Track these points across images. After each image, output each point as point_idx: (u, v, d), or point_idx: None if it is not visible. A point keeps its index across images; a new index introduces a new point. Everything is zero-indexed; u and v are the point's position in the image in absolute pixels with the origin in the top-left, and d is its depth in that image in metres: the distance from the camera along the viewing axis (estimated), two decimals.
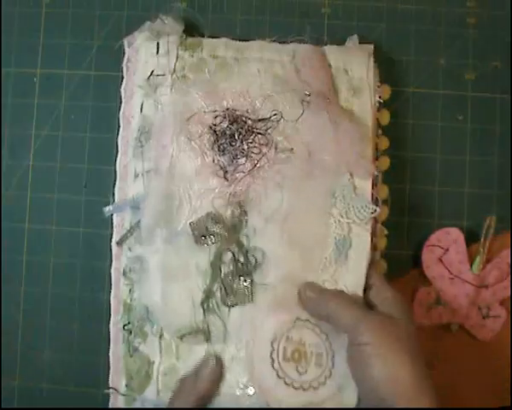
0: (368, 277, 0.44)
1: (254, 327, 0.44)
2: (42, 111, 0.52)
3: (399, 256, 0.50)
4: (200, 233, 0.44)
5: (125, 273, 0.46)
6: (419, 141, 0.51)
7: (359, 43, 0.50)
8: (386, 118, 0.49)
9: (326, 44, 0.49)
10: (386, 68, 0.50)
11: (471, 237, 0.49)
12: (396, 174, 0.50)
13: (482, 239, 0.48)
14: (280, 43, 0.48)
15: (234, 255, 0.44)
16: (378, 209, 0.45)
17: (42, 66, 0.52)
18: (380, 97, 0.48)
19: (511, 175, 0.51)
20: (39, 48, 0.53)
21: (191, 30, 0.50)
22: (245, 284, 0.44)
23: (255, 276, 0.44)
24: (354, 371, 0.41)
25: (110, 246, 0.47)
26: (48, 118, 0.52)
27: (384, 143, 0.49)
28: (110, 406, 0.46)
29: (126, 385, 0.45)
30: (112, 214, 0.47)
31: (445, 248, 0.49)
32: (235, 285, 0.44)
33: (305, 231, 0.45)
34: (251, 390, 0.43)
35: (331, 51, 0.48)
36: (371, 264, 0.45)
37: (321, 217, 0.45)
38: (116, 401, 0.46)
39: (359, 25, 0.51)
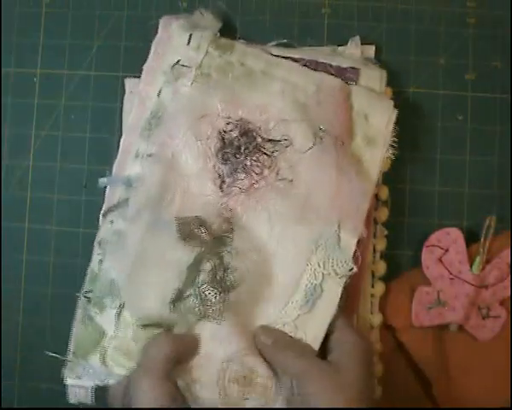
0: (333, 319, 0.43)
1: (213, 344, 0.42)
2: (42, 111, 0.52)
3: (399, 256, 0.50)
4: (184, 232, 0.43)
5: (100, 244, 0.46)
6: (419, 141, 0.51)
7: (360, 43, 0.50)
8: (386, 164, 0.48)
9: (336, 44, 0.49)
10: (387, 68, 0.50)
11: (471, 237, 0.49)
12: (396, 174, 0.50)
13: (482, 239, 0.48)
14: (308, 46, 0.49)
15: (214, 267, 0.43)
16: (355, 269, 0.43)
17: (42, 66, 0.52)
18: (392, 154, 0.46)
19: (511, 175, 0.51)
20: (39, 48, 0.53)
21: (224, 30, 0.49)
22: (219, 300, 0.42)
23: (230, 295, 0.43)
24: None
25: None
26: (48, 118, 0.52)
27: (384, 191, 0.49)
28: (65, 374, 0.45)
29: (73, 352, 0.45)
30: (106, 186, 0.47)
31: (444, 249, 0.49)
32: (208, 298, 0.42)
33: (281, 270, 0.44)
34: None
35: (357, 93, 0.46)
36: (339, 308, 0.43)
37: (299, 261, 0.44)
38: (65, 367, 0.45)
39: (359, 25, 0.51)
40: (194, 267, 0.43)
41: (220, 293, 0.42)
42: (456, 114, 0.51)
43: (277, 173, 0.45)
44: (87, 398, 0.45)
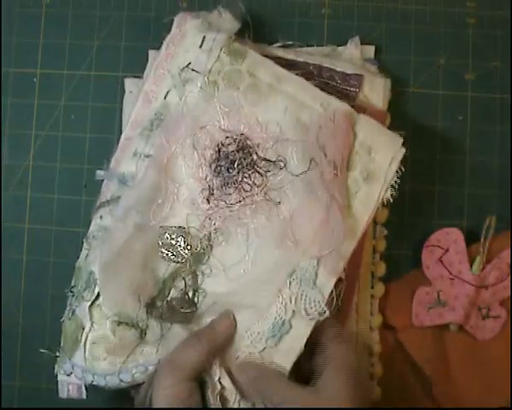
0: (322, 331, 0.42)
1: None
2: (42, 111, 0.52)
3: (399, 256, 0.50)
4: (166, 245, 0.44)
5: (87, 238, 0.46)
6: (419, 141, 0.51)
7: (360, 44, 0.50)
8: (384, 215, 0.47)
9: (339, 44, 0.49)
10: (386, 68, 0.50)
11: (471, 237, 0.49)
12: (396, 174, 0.50)
13: (482, 239, 0.48)
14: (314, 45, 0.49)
15: (185, 286, 0.44)
16: (327, 314, 0.41)
17: (42, 66, 0.52)
18: (391, 195, 0.43)
19: (511, 175, 0.51)
20: (39, 48, 0.53)
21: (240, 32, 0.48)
22: (186, 313, 0.44)
23: (198, 312, 0.44)
24: None
25: None
26: (48, 118, 0.52)
27: (380, 268, 0.48)
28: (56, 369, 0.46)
29: (62, 347, 0.45)
30: (102, 180, 0.48)
31: (444, 249, 0.49)
32: (176, 310, 0.44)
33: (252, 300, 0.43)
34: None
35: (364, 122, 0.44)
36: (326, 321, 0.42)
37: (270, 291, 0.42)
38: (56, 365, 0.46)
39: (359, 25, 0.51)
40: (169, 282, 0.44)
41: (187, 309, 0.43)
42: (456, 114, 0.51)
43: (266, 194, 0.44)
44: (81, 394, 0.46)
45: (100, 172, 0.48)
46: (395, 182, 0.43)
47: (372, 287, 0.49)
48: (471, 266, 0.48)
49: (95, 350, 0.43)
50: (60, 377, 0.46)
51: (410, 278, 0.50)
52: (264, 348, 0.42)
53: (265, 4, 0.52)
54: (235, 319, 0.42)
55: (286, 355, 0.42)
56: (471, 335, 0.49)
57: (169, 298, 0.44)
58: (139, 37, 0.51)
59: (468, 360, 0.49)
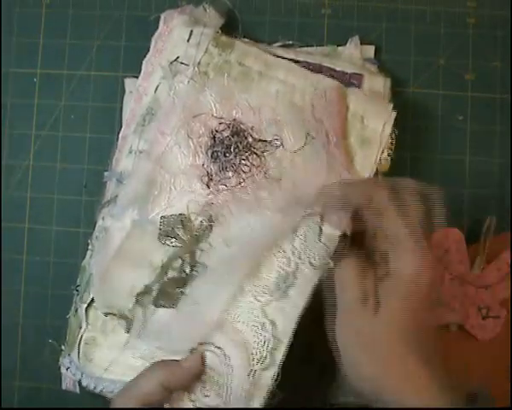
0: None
1: (170, 335, 0.42)
2: (42, 111, 0.52)
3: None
4: (166, 232, 0.44)
5: (91, 239, 0.47)
6: (419, 141, 0.51)
7: (360, 44, 0.50)
8: (386, 164, 0.47)
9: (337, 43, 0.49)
10: (386, 68, 0.50)
11: (471, 237, 0.49)
12: (396, 174, 0.50)
13: (482, 239, 0.48)
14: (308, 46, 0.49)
15: (182, 264, 0.44)
16: (331, 264, 0.40)
17: (42, 66, 0.52)
18: (389, 155, 0.45)
19: (511, 175, 0.51)
20: (39, 48, 0.53)
21: (227, 28, 0.49)
22: (176, 293, 0.43)
23: (187, 287, 0.43)
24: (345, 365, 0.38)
25: None
26: (48, 118, 0.52)
27: None
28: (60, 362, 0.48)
29: (66, 342, 0.47)
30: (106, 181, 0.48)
31: (444, 249, 0.49)
32: (168, 292, 0.44)
33: (254, 256, 0.42)
34: None
35: (353, 94, 0.46)
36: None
37: (272, 246, 0.42)
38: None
39: (359, 25, 0.51)
40: (167, 265, 0.44)
41: (179, 288, 0.43)
42: (456, 114, 0.51)
43: (266, 173, 0.45)
44: (75, 388, 0.48)
45: (106, 174, 0.48)
46: (391, 143, 0.45)
47: None
48: (471, 266, 0.48)
49: (87, 351, 0.45)
50: (62, 370, 0.48)
51: None
52: (269, 301, 0.41)
53: (265, 4, 0.52)
54: (203, 359, 0.41)
55: (290, 310, 0.41)
56: (471, 335, 0.49)
57: (166, 279, 0.44)
58: (139, 37, 0.51)
59: (468, 359, 0.49)
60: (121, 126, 0.49)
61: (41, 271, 0.51)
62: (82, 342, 0.46)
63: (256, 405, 0.40)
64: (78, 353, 0.46)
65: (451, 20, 0.51)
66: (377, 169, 0.46)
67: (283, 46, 0.50)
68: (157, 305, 0.44)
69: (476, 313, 0.48)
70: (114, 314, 0.45)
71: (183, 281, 0.44)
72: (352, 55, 0.50)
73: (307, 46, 0.51)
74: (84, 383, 0.46)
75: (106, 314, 0.45)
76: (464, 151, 0.51)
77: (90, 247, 0.48)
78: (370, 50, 0.50)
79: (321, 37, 0.51)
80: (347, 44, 0.50)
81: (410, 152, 0.51)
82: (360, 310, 0.38)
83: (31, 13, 0.53)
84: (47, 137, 0.52)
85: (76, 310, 0.47)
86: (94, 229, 0.48)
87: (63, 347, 0.48)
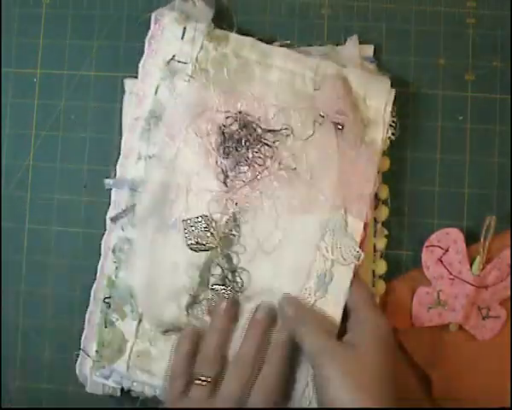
0: (354, 298, 0.44)
1: (233, 345, 0.44)
2: (42, 111, 0.52)
3: (399, 256, 0.50)
4: (192, 235, 0.44)
5: (114, 251, 0.46)
6: (419, 141, 0.51)
7: (359, 43, 0.50)
8: (386, 164, 0.48)
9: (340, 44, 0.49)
10: (387, 68, 0.50)
11: (471, 238, 0.49)
12: (396, 174, 0.50)
13: (482, 239, 0.48)
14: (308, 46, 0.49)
15: (223, 271, 0.44)
16: (362, 255, 0.44)
17: (42, 66, 0.52)
18: (393, 134, 0.47)
19: (511, 175, 0.51)
20: (39, 48, 0.53)
21: (218, 18, 0.49)
22: (230, 293, 0.44)
23: (241, 297, 0.44)
24: (319, 396, 0.41)
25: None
26: (48, 118, 0.52)
27: (384, 191, 0.49)
28: (77, 367, 0.47)
29: (97, 351, 0.46)
30: (111, 188, 0.48)
31: (444, 249, 0.49)
32: (221, 296, 0.44)
33: (292, 261, 0.44)
34: None
35: (354, 75, 0.47)
36: (357, 285, 0.44)
37: (309, 249, 0.44)
38: (83, 364, 0.47)
39: (359, 25, 0.51)
40: (206, 271, 0.44)
41: (232, 293, 0.44)
42: (456, 114, 0.51)
43: (280, 163, 0.45)
44: (116, 393, 0.47)
45: (109, 181, 0.47)
46: (393, 121, 0.46)
47: (373, 285, 0.49)
48: (471, 266, 0.48)
49: (139, 363, 0.45)
50: (95, 378, 0.47)
51: (410, 278, 0.50)
52: (315, 300, 0.44)
53: (265, 4, 0.52)
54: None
55: (334, 305, 0.44)
56: (471, 335, 0.49)
57: (211, 286, 0.45)
58: (139, 37, 0.51)
59: (468, 359, 0.49)
60: (121, 127, 0.49)
61: (41, 271, 0.51)
62: (132, 356, 0.46)
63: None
64: (128, 364, 0.45)
65: (451, 20, 0.51)
66: (378, 168, 0.46)
67: (283, 46, 0.50)
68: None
69: (476, 313, 0.48)
70: (172, 330, 0.45)
71: (231, 286, 0.44)
72: (351, 54, 0.50)
73: (307, 46, 0.51)
74: (136, 390, 0.46)
75: (163, 332, 0.45)
76: (464, 151, 0.51)
77: (113, 259, 0.47)
78: (369, 50, 0.50)
79: (321, 37, 0.51)
80: (346, 44, 0.50)
81: (410, 152, 0.51)
82: (340, 351, 0.40)
83: (31, 13, 0.53)
84: (47, 137, 0.52)
85: (111, 323, 0.46)
86: (109, 238, 0.47)
87: (95, 356, 0.47)
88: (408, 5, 0.52)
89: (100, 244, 0.48)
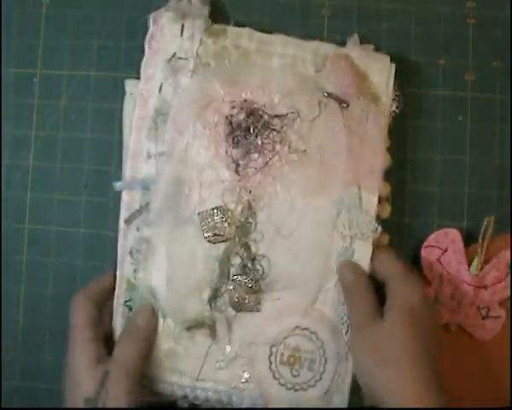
0: (377, 272, 0.45)
1: (257, 332, 0.45)
2: (42, 111, 0.52)
3: (399, 256, 0.50)
4: (208, 227, 0.45)
5: (131, 253, 0.46)
6: (419, 141, 0.51)
7: (360, 43, 0.50)
8: (386, 210, 0.48)
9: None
10: None
11: (471, 238, 0.49)
12: (396, 174, 0.50)
13: (480, 240, 0.48)
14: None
15: (243, 260, 0.45)
16: (380, 229, 0.45)
17: (42, 66, 0.52)
18: (397, 107, 0.47)
19: (511, 175, 0.51)
20: (39, 48, 0.53)
21: (214, 14, 0.49)
22: (254, 289, 0.45)
23: (262, 284, 0.45)
24: (359, 374, 0.42)
25: (110, 246, 0.47)
26: (48, 118, 0.52)
27: (385, 188, 0.48)
28: None
29: None
30: (121, 191, 0.47)
31: (443, 249, 0.49)
32: (243, 287, 0.45)
33: (311, 242, 0.45)
34: (251, 385, 0.45)
35: (353, 53, 0.47)
36: (380, 259, 0.45)
37: (326, 228, 0.45)
38: None
39: (359, 25, 0.51)
40: (225, 263, 0.45)
41: (253, 281, 0.44)
42: (456, 114, 0.51)
43: (289, 147, 0.45)
44: None
45: (120, 184, 0.47)
46: (396, 95, 0.47)
47: None
48: (469, 266, 0.48)
49: (170, 364, 0.45)
50: None
51: None
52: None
53: (265, 4, 0.52)
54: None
55: None
56: (471, 335, 0.49)
57: (232, 277, 0.45)
58: (139, 37, 0.51)
59: (467, 359, 0.49)
60: (121, 127, 0.49)
61: (41, 271, 0.51)
62: (161, 356, 0.45)
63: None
64: (157, 367, 0.45)
65: (451, 20, 0.51)
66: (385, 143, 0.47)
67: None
68: (237, 310, 0.45)
69: (476, 313, 0.48)
70: (195, 326, 0.45)
71: (252, 274, 0.45)
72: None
73: None
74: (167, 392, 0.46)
75: (187, 329, 0.45)
76: (464, 151, 0.51)
77: (131, 261, 0.46)
78: (369, 49, 0.50)
79: (321, 37, 0.51)
80: (346, 44, 0.50)
81: (410, 152, 0.51)
82: (371, 326, 0.41)
83: (31, 13, 0.53)
84: (47, 137, 0.52)
85: None
86: (125, 241, 0.46)
87: None
88: (408, 5, 0.51)
89: (100, 244, 0.48)
